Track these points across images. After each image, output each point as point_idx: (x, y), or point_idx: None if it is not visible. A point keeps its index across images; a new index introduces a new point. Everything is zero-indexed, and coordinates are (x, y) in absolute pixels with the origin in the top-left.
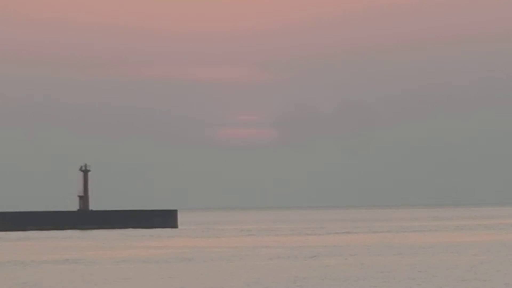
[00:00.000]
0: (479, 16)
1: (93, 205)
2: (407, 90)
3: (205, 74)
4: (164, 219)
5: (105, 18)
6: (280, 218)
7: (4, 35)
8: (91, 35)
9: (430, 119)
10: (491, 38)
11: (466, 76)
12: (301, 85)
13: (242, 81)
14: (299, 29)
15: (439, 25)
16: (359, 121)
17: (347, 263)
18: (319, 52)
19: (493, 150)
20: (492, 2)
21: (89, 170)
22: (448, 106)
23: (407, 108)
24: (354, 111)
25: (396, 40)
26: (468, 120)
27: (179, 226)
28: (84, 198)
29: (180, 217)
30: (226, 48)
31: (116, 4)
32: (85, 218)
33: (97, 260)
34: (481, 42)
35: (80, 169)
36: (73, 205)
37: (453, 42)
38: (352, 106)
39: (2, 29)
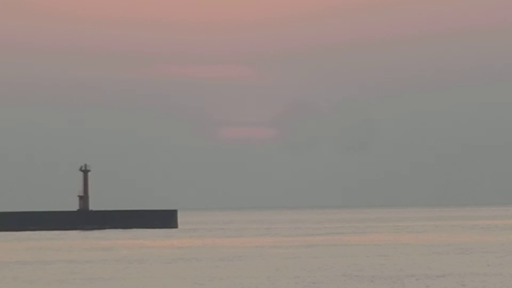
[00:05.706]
0: (477, 10)
1: (93, 205)
2: (407, 87)
3: (204, 73)
4: (164, 219)
5: (102, 13)
6: (280, 218)
7: None
8: (92, 30)
9: (429, 116)
10: (491, 32)
11: (467, 73)
12: (300, 83)
13: (242, 80)
14: (298, 27)
15: (438, 20)
16: (359, 119)
17: (348, 264)
18: (318, 49)
19: (494, 149)
20: None
21: (89, 170)
22: (449, 104)
23: (408, 105)
24: (353, 108)
25: (396, 35)
26: (469, 118)
27: (179, 226)
28: (84, 198)
29: (180, 217)
30: (225, 47)
31: (118, 1)
32: (85, 218)
33: (97, 260)
34: (482, 37)
35: (80, 169)
36: (73, 205)
37: (453, 38)
38: (351, 103)
39: None
